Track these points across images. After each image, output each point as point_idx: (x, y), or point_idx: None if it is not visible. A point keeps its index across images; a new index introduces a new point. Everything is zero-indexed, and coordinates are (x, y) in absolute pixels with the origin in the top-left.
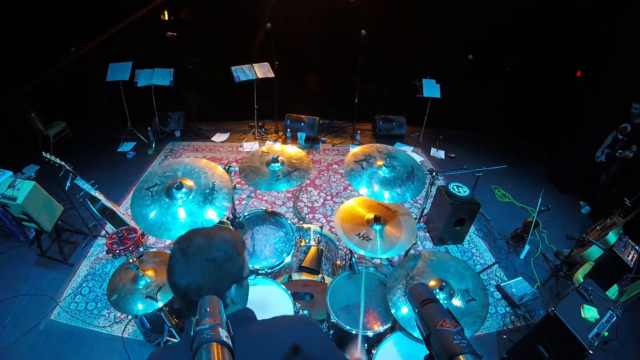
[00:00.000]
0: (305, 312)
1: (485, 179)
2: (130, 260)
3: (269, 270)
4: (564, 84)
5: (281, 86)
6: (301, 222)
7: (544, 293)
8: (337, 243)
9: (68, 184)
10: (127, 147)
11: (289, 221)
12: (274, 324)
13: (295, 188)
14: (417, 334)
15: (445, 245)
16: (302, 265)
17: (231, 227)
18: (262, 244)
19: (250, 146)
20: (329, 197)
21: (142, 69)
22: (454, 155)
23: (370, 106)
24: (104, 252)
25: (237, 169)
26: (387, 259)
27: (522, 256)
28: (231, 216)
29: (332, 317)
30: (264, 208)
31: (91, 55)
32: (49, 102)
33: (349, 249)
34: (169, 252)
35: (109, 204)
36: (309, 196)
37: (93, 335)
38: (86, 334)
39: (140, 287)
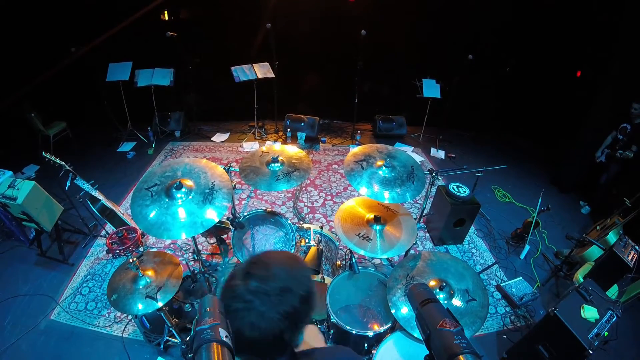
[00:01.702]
0: None
1: (485, 179)
2: (130, 260)
3: None
4: (564, 83)
5: (281, 86)
6: (301, 222)
7: (544, 293)
8: (337, 243)
9: (68, 184)
10: (127, 147)
11: (289, 221)
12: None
13: (295, 188)
14: (417, 334)
15: (445, 245)
16: None
17: (231, 227)
18: (262, 244)
19: (250, 146)
20: (329, 197)
21: (142, 69)
22: (454, 155)
23: (370, 106)
24: (104, 252)
25: (237, 169)
26: (387, 259)
27: (522, 256)
28: (231, 216)
29: (332, 317)
30: (264, 208)
31: (91, 55)
32: (49, 102)
33: (349, 249)
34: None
35: (109, 204)
36: (309, 196)
37: (93, 335)
38: (86, 334)
39: (140, 287)
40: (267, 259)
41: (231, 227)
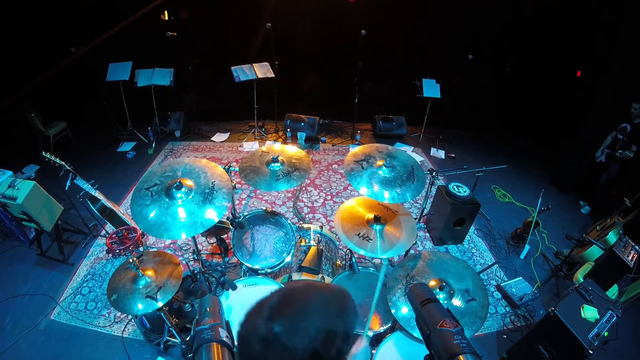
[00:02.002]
0: None
1: (485, 179)
2: (130, 260)
3: (269, 270)
4: (564, 83)
5: (281, 86)
6: (301, 222)
7: (544, 293)
8: (337, 243)
9: (68, 184)
10: (127, 147)
11: (289, 221)
12: None
13: (295, 188)
14: (417, 334)
15: (445, 245)
16: (302, 265)
17: (231, 227)
18: (262, 244)
19: (250, 146)
20: (329, 197)
21: (142, 69)
22: (454, 155)
23: (370, 106)
24: (104, 252)
25: (237, 168)
26: (387, 259)
27: (522, 256)
28: (231, 216)
29: None
30: (264, 208)
31: (91, 55)
32: (49, 102)
33: (349, 249)
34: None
35: (109, 204)
36: (309, 196)
37: (93, 335)
38: (86, 334)
39: (140, 286)
40: (305, 299)
41: (231, 227)
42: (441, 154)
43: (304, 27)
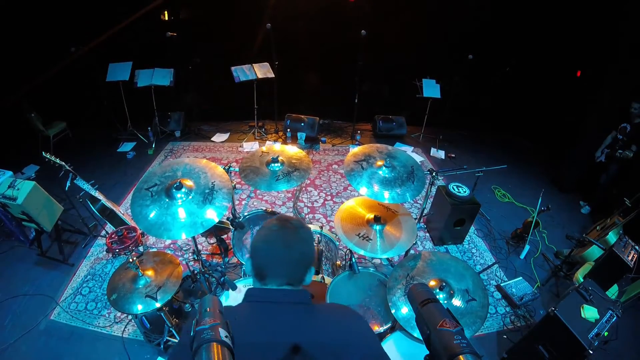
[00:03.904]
0: None
1: (485, 179)
2: (130, 260)
3: None
4: (564, 83)
5: (281, 86)
6: None
7: (544, 293)
8: (337, 243)
9: (68, 184)
10: (127, 147)
11: None
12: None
13: (295, 188)
14: (417, 334)
15: (445, 245)
16: None
17: (231, 227)
18: None
19: (250, 146)
20: (329, 197)
21: (142, 69)
22: (454, 155)
23: (370, 106)
24: (104, 252)
25: (237, 169)
26: (387, 259)
27: (522, 256)
28: (231, 216)
29: None
30: (264, 208)
31: (91, 55)
32: (49, 102)
33: (349, 249)
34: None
35: (109, 204)
36: (309, 196)
37: (93, 335)
38: (86, 334)
39: (140, 286)
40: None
41: (231, 227)
42: (441, 154)
43: (304, 27)
